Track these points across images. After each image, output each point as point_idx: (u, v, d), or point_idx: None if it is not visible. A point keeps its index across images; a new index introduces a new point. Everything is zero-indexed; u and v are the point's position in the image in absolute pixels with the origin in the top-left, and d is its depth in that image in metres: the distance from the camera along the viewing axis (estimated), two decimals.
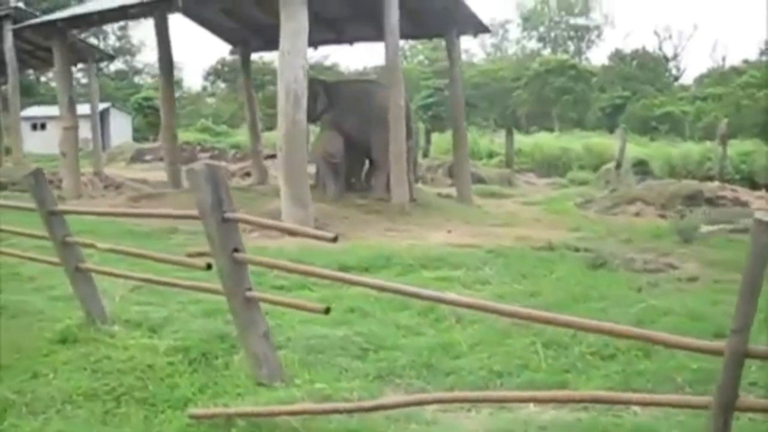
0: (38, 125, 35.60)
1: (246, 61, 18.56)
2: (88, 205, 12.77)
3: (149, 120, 40.42)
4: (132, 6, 13.14)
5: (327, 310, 4.51)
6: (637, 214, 14.44)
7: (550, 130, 41.25)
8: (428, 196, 15.19)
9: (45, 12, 23.19)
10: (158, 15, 15.34)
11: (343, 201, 13.71)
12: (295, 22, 11.12)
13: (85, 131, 35.09)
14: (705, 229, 12.16)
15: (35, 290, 7.52)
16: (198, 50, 73.34)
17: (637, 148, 26.46)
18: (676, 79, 59.64)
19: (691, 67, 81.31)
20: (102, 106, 35.69)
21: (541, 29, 72.82)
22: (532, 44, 73.47)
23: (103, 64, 45.61)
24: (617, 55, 54.67)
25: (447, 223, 13.21)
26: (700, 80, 55.63)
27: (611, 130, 43.34)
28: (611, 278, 8.55)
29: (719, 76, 52.87)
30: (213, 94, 48.78)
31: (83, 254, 6.03)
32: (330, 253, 9.36)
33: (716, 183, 15.93)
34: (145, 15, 14.57)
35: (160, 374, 5.16)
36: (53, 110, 30.31)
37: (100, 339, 5.71)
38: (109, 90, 48.29)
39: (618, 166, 20.38)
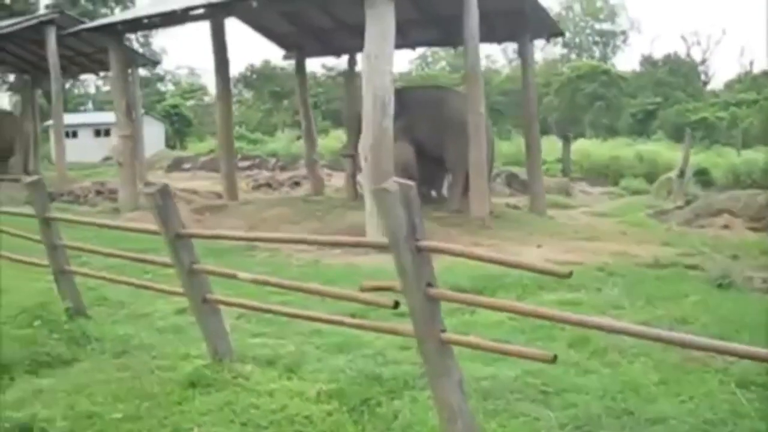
0: (69, 133, 34.87)
1: (301, 67, 17.84)
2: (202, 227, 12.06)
3: (176, 128, 39.94)
4: (194, 7, 12.47)
5: (554, 359, 3.73)
6: (725, 227, 13.62)
7: (581, 136, 40.46)
8: (502, 209, 14.39)
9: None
10: (215, 18, 14.64)
11: None
12: (381, 25, 10.41)
13: (116, 139, 34.83)
14: None
15: (133, 319, 6.80)
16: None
17: (694, 157, 25.59)
18: (705, 84, 58.67)
19: (720, 73, 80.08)
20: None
21: (567, 35, 71.99)
22: (557, 50, 72.62)
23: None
24: (648, 61, 53.79)
25: (530, 237, 12.46)
26: (730, 85, 54.71)
27: (644, 136, 42.60)
28: (747, 301, 7.85)
29: (750, 81, 51.94)
30: (240, 102, 48.10)
31: (209, 282, 5.29)
32: (444, 272, 8.60)
33: None
34: (206, 18, 13.85)
35: (322, 427, 4.41)
36: (82, 117, 29.83)
37: (236, 382, 4.98)
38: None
39: (681, 174, 19.53)
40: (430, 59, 67.23)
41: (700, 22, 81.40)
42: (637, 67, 55.76)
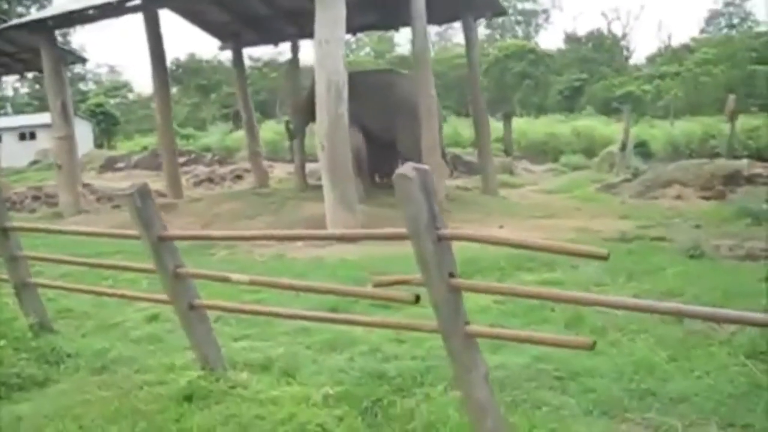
0: (27, 134, 33.44)
1: (238, 57, 17.28)
2: (178, 227, 11.48)
3: (102, 127, 38.64)
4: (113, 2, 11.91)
5: (593, 345, 3.53)
6: (678, 197, 13.77)
7: (513, 115, 40.65)
8: (454, 191, 14.22)
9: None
10: (150, 10, 14.04)
11: (372, 200, 12.65)
12: (332, 9, 10.08)
13: (44, 141, 33.42)
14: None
15: (103, 331, 6.36)
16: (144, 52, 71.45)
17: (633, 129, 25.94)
18: (627, 59, 59.71)
19: (640, 47, 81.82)
20: None
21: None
22: (481, 31, 72.90)
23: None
24: (572, 38, 54.45)
25: (489, 218, 12.37)
26: (652, 59, 55.72)
27: (573, 112, 43.11)
28: (724, 269, 7.91)
29: (671, 54, 53.03)
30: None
31: (195, 287, 4.92)
32: (408, 259, 8.37)
33: (745, 161, 15.34)
34: (140, 9, 13.24)
35: None
36: (5, 121, 28.51)
37: (234, 392, 4.66)
38: None
39: (623, 148, 19.72)
40: (354, 46, 66.68)
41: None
42: (561, 45, 56.39)
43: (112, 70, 54.53)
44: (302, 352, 5.48)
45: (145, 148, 28.91)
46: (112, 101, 43.46)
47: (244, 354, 5.37)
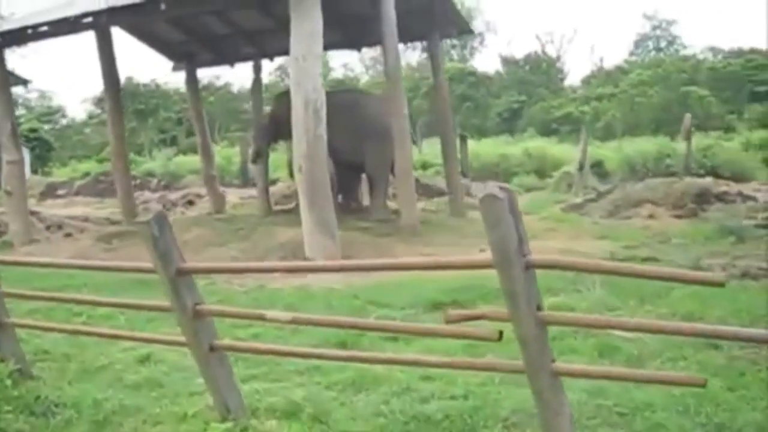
0: None
1: (192, 79, 16.62)
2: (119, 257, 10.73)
3: (37, 153, 37.20)
4: (87, 15, 11.22)
5: (705, 383, 3.14)
6: (651, 216, 13.66)
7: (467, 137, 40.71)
8: (423, 214, 13.82)
9: None
10: (103, 28, 13.34)
11: (342, 224, 12.14)
12: (309, 24, 9.62)
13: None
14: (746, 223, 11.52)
15: (90, 375, 5.69)
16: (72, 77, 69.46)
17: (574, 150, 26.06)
18: (562, 80, 60.68)
19: (574, 70, 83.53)
20: None
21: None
22: (416, 55, 73.12)
23: None
24: (509, 60, 55.02)
25: (465, 241, 11.96)
26: (587, 81, 56.62)
27: (511, 133, 43.41)
28: (734, 289, 7.67)
29: (606, 75, 54.06)
30: (103, 122, 45.31)
31: (215, 326, 4.37)
32: (404, 287, 7.97)
33: (709, 179, 15.40)
34: (94, 26, 12.54)
35: None
36: None
37: None
38: None
39: (581, 168, 19.72)
40: (289, 70, 65.97)
41: (553, 23, 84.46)
42: (497, 68, 56.87)
43: (42, 95, 52.78)
44: (324, 393, 4.95)
45: (86, 174, 27.77)
46: (45, 126, 41.94)
47: (260, 398, 4.80)
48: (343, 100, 12.91)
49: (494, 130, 46.65)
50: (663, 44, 62.55)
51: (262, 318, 3.94)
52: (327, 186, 9.83)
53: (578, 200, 17.10)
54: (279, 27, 14.71)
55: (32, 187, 24.43)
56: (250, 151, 15.34)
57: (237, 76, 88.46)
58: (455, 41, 72.78)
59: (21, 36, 12.09)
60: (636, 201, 14.28)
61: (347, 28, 13.38)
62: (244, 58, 16.47)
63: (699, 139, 22.24)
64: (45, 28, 11.60)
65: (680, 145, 20.46)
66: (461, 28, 14.31)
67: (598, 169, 21.45)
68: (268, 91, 52.37)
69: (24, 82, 16.78)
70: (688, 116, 18.82)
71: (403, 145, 11.86)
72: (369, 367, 5.14)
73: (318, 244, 9.57)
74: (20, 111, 50.06)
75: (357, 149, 12.65)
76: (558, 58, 61.64)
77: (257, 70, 15.83)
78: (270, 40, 15.28)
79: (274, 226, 11.71)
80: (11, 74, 18.40)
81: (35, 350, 6.28)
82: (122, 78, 43.14)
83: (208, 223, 12.29)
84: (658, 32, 62.34)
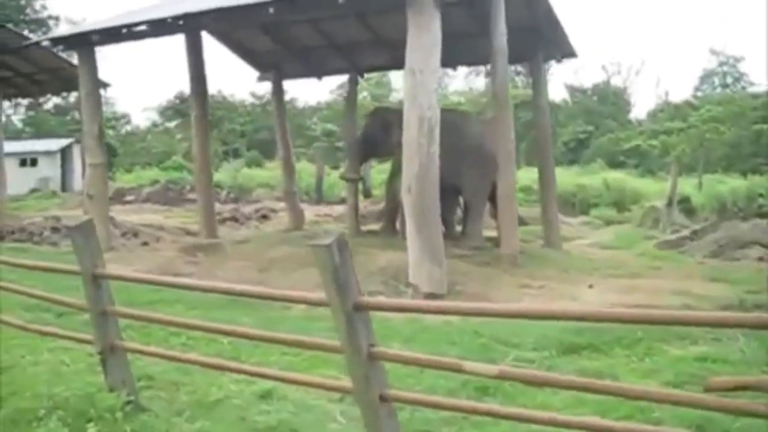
0: (28, 161, 32.01)
1: (278, 90, 16.14)
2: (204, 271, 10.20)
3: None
4: (179, 17, 10.78)
5: None
6: (761, 259, 12.68)
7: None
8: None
9: None
10: (191, 32, 12.92)
11: None
12: (428, 36, 8.95)
13: (45, 169, 31.98)
14: None
15: (207, 411, 5.01)
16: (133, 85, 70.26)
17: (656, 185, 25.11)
18: (627, 113, 59.46)
19: (639, 102, 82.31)
20: (65, 141, 32.55)
21: (488, 65, 71.60)
22: (480, 81, 72.48)
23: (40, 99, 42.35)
24: (577, 89, 54.02)
25: (568, 275, 11.21)
26: (653, 114, 55.37)
27: (577, 164, 42.40)
28: None
29: (674, 109, 52.77)
30: (166, 131, 45.52)
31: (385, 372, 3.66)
32: (526, 323, 7.17)
33: None
34: (186, 29, 12.14)
35: None
36: (6, 146, 27.15)
37: None
38: (50, 126, 44.82)
39: (669, 203, 18.76)
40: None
41: (619, 54, 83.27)
42: (562, 97, 55.90)
43: (107, 101, 53.22)
44: None
45: (155, 181, 27.57)
46: (111, 132, 42.19)
47: None
48: (442, 121, 12.22)
49: (560, 160, 45.61)
50: (729, 81, 60.94)
51: (458, 369, 3.20)
52: (437, 209, 9.15)
53: (671, 237, 16.16)
54: (375, 40, 14.22)
55: None
56: (343, 169, 14.75)
57: (301, 91, 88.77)
58: (518, 68, 72.28)
59: (114, 35, 11.68)
60: (743, 242, 13.32)
61: (450, 45, 12.74)
62: (333, 71, 16.00)
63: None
64: (143, 27, 11.15)
65: None
66: (565, 50, 13.53)
67: (685, 205, 20.43)
68: (330, 108, 52.44)
69: (104, 86, 16.45)
70: None
71: (507, 171, 11.16)
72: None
73: (424, 270, 8.87)
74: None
75: (455, 172, 11.95)
76: (625, 89, 60.54)
77: (353, 84, 15.25)
78: (363, 53, 14.75)
79: (369, 247, 11.02)
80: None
81: (139, 375, 5.65)
82: (187, 87, 43.28)
83: (296, 241, 11.66)
84: (725, 68, 60.73)
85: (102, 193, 12.32)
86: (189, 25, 11.77)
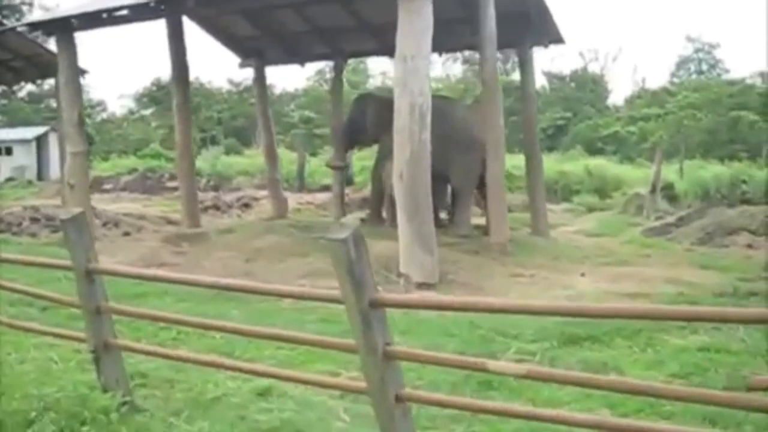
0: (2, 150, 31.51)
1: (261, 76, 15.83)
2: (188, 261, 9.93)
3: None
4: (156, 2, 10.51)
5: None
6: (749, 246, 12.66)
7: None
8: None
9: None
10: (172, 17, 12.64)
11: None
12: (420, 21, 8.77)
13: (20, 158, 31.40)
14: None
15: (205, 409, 4.82)
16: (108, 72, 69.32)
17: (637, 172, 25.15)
18: (605, 99, 59.55)
19: (616, 89, 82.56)
20: (40, 129, 31.98)
21: (467, 52, 71.45)
22: (457, 67, 72.20)
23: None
24: (555, 76, 53.99)
25: (558, 263, 11.13)
26: (630, 101, 55.51)
27: (555, 150, 42.44)
28: None
29: (651, 96, 52.94)
30: (143, 118, 44.94)
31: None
32: (528, 317, 7.03)
33: None
34: (163, 15, 11.87)
35: None
36: (17, 133, 26.82)
37: None
38: (24, 114, 44.08)
39: (653, 190, 18.72)
40: (328, 75, 65.30)
41: (596, 41, 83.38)
42: (540, 83, 55.76)
43: (81, 88, 52.27)
44: None
45: (133, 169, 27.15)
46: (87, 120, 41.56)
47: None
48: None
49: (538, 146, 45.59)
50: (705, 67, 61.30)
51: (483, 369, 3.05)
52: (429, 196, 8.99)
53: (656, 224, 16.14)
54: (360, 26, 13.99)
55: None
56: (331, 156, 14.51)
57: (278, 78, 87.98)
58: (498, 55, 72.04)
59: (94, 20, 11.36)
60: (730, 229, 13.29)
61: (436, 31, 12.57)
62: (316, 57, 15.78)
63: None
64: (124, 12, 10.85)
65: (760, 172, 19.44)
66: (553, 36, 13.35)
67: (668, 192, 20.40)
68: (308, 95, 52.03)
69: (82, 72, 16.06)
70: None
71: (496, 158, 11.04)
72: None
73: (416, 259, 8.72)
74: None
75: (443, 159, 11.77)
76: (602, 76, 60.63)
77: (338, 70, 15.02)
78: (348, 39, 14.52)
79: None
80: None
81: (131, 372, 5.44)
82: (166, 75, 42.63)
83: (283, 230, 11.47)
84: (700, 55, 61.05)
85: (83, 182, 12.01)
86: (172, 9, 11.52)
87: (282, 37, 14.86)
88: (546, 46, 13.62)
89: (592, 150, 40.78)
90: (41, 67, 17.72)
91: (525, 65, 13.43)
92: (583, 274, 10.13)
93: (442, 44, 13.57)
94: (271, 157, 15.82)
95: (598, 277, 10.10)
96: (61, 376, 5.26)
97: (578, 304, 4.91)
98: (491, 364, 3.06)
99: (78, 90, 12.15)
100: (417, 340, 6.45)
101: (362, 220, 13.98)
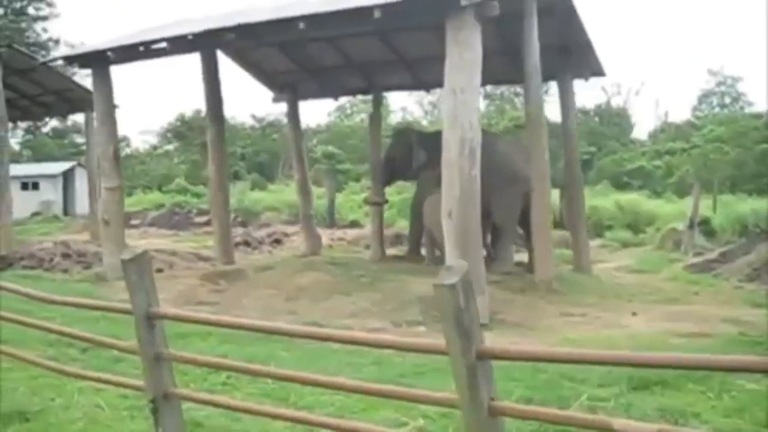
0: (30, 185, 31.49)
1: (294, 110, 15.66)
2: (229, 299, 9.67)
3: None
4: (208, 32, 10.34)
5: None
6: None
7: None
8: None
9: None
10: (206, 51, 12.53)
11: None
12: (470, 53, 8.53)
13: (47, 192, 31.42)
14: None
15: None
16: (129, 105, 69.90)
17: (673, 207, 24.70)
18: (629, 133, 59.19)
19: (639, 123, 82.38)
20: (67, 165, 32.05)
21: (488, 87, 71.46)
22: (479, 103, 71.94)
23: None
24: (580, 110, 53.76)
25: (606, 302, 10.75)
26: (654, 135, 55.16)
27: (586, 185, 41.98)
28: None
29: (675, 130, 52.60)
30: (165, 154, 45.07)
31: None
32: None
33: None
34: (199, 48, 11.76)
35: None
36: (43, 168, 26.86)
37: None
38: (48, 149, 44.39)
39: (691, 225, 18.29)
40: (348, 111, 65.42)
41: (618, 75, 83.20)
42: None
43: None
44: None
45: (161, 205, 27.06)
46: None
47: None
48: None
49: (561, 180, 45.24)
50: (728, 101, 60.89)
51: (608, 429, 2.71)
52: (479, 234, 8.70)
53: (697, 260, 15.69)
54: (396, 59, 13.83)
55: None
56: (369, 192, 14.29)
57: (302, 113, 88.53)
58: (518, 89, 72.08)
59: (131, 53, 11.22)
60: None
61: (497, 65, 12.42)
62: (350, 92, 15.62)
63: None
64: (161, 45, 10.70)
65: None
66: (594, 69, 13.09)
67: (705, 227, 19.94)
68: (329, 130, 52.02)
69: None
70: None
71: (542, 193, 10.72)
72: None
73: None
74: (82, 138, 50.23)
75: (485, 194, 11.46)
76: (625, 110, 60.32)
77: (377, 104, 14.83)
78: (383, 72, 14.35)
79: (400, 274, 10.55)
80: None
81: (185, 422, 5.15)
82: (190, 110, 42.70)
83: (322, 267, 11.16)
84: (723, 88, 60.69)
85: (118, 218, 11.80)
86: (209, 42, 11.36)
87: (316, 71, 14.70)
88: (587, 79, 13.34)
89: (618, 184, 40.43)
90: (70, 102, 17.68)
91: (565, 99, 13.12)
92: (634, 314, 9.76)
93: (484, 77, 13.45)
94: (305, 192, 15.58)
95: (651, 316, 9.71)
96: (111, 425, 4.98)
97: (677, 355, 4.53)
98: (617, 423, 2.72)
99: (114, 125, 11.98)
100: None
101: (399, 257, 13.70)
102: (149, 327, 4.06)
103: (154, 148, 46.76)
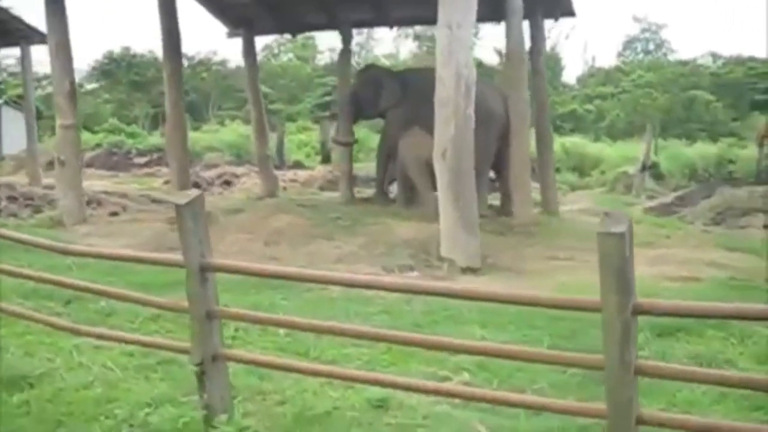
0: None
1: (250, 47, 14.86)
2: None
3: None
4: None
5: None
6: (766, 227, 12.38)
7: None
8: None
9: None
10: None
11: None
12: None
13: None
14: None
15: (318, 425, 4.09)
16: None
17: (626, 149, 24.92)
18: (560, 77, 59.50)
19: (568, 67, 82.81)
20: None
21: (417, 28, 70.52)
22: (408, 44, 71.29)
23: None
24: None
25: (586, 244, 10.53)
26: (582, 79, 55.54)
27: None
28: None
29: (605, 75, 53.15)
30: (92, 92, 42.97)
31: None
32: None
33: None
34: None
35: None
36: None
37: None
38: None
39: (643, 168, 18.48)
40: (276, 51, 63.67)
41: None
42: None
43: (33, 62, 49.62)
44: None
45: (98, 145, 25.82)
46: (39, 92, 39.51)
47: None
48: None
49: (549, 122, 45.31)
50: (651, 47, 61.68)
51: None
52: (473, 176, 8.37)
53: (653, 204, 15.85)
54: None
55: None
56: (335, 129, 13.76)
57: (233, 52, 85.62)
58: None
59: None
60: (744, 209, 13.00)
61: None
62: (311, 27, 14.92)
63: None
64: None
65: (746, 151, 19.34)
66: (565, 8, 12.77)
67: (654, 171, 20.19)
68: (262, 69, 50.52)
69: (41, 36, 14.87)
70: (763, 121, 17.68)
71: (521, 135, 10.46)
72: None
73: (459, 243, 8.12)
74: (3, 75, 47.50)
75: None
76: (556, 54, 60.47)
77: (346, 40, 14.14)
78: (345, 8, 13.69)
79: (379, 217, 10.20)
80: (35, 30, 16.65)
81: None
82: (118, 47, 40.81)
83: (294, 210, 10.69)
84: (647, 35, 61.38)
85: (74, 158, 10.99)
86: None
87: (274, 6, 13.88)
88: (557, 19, 13.03)
89: (554, 128, 40.70)
90: (2, 34, 16.44)
91: (536, 38, 12.74)
92: None
93: (407, 15, 13.07)
94: (261, 132, 14.90)
95: (637, 261, 9.59)
96: (130, 388, 4.50)
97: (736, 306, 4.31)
98: None
99: (69, 57, 11.02)
100: (497, 332, 5.90)
101: (366, 199, 13.31)
102: (202, 280, 3.60)
103: (80, 86, 44.52)
